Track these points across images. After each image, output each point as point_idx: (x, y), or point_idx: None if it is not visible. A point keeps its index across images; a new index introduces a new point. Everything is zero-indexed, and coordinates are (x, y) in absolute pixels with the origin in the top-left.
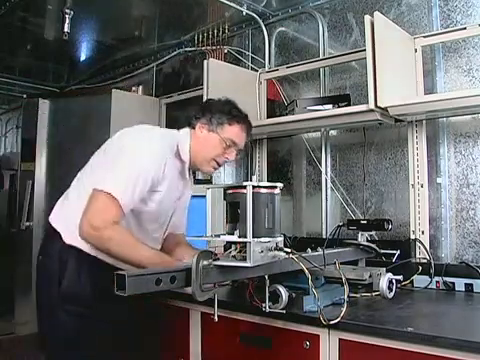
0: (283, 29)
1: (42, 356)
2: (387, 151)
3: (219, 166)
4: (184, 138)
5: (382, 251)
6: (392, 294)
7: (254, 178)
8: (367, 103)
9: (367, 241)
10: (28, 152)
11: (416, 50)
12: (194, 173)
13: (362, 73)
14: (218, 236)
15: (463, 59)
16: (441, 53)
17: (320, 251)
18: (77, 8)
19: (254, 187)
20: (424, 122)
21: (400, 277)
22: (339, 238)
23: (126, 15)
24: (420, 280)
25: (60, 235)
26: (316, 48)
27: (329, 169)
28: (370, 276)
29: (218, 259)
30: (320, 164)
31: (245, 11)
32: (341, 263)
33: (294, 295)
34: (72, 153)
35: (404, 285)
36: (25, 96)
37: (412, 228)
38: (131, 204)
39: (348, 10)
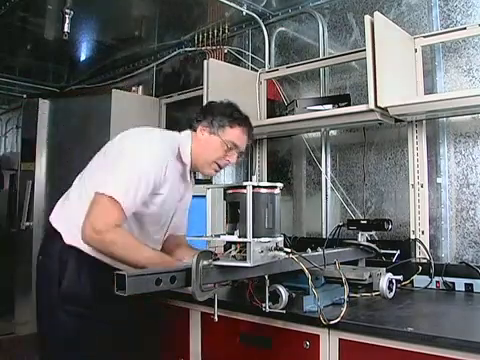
0: (283, 29)
1: (37, 356)
2: (387, 151)
3: (220, 169)
4: (185, 140)
5: (382, 251)
6: (392, 294)
7: (254, 178)
8: (367, 103)
9: (367, 241)
10: (28, 152)
11: (416, 50)
12: (194, 173)
13: (362, 73)
14: (218, 236)
15: (463, 59)
16: (441, 53)
17: (320, 251)
18: (77, 8)
19: (254, 187)
20: (424, 122)
21: (400, 277)
22: (339, 238)
23: (126, 15)
24: (420, 280)
25: (60, 235)
26: (316, 48)
27: (329, 169)
28: (370, 276)
29: (218, 259)
30: (320, 164)
31: (245, 11)
32: (341, 263)
33: (294, 295)
34: (72, 153)
35: (404, 285)
36: (25, 96)
37: (412, 228)
38: (133, 207)
39: (348, 10)
